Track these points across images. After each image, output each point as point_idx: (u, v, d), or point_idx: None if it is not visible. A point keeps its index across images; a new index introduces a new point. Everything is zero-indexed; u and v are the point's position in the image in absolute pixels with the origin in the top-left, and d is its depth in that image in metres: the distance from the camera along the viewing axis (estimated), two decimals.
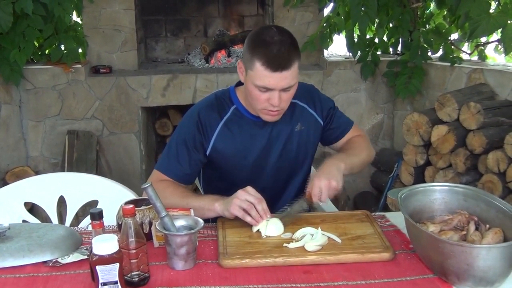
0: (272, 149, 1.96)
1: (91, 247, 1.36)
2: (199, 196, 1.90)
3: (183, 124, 1.97)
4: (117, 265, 1.31)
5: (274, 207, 1.93)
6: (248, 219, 1.68)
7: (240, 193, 1.70)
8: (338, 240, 1.62)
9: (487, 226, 1.48)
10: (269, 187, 1.99)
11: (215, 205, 1.75)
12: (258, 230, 1.67)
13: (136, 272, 1.40)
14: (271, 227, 1.67)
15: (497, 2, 3.49)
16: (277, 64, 1.72)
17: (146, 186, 1.48)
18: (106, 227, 1.59)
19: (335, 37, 4.13)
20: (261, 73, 1.73)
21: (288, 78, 1.74)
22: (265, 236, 1.65)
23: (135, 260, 1.39)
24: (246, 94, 1.89)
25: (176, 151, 1.92)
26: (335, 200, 3.91)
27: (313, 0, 4.08)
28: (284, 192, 2.03)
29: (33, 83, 3.85)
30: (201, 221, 1.53)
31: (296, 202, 1.82)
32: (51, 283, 1.44)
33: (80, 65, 3.91)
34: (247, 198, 1.69)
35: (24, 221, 2.01)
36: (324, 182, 1.76)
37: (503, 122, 3.08)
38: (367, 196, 4.19)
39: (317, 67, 4.17)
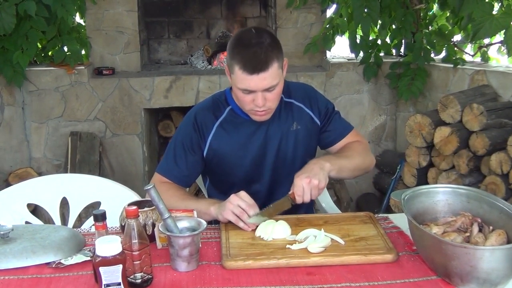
0: (268, 148, 1.97)
1: (94, 249, 1.36)
2: (198, 199, 1.94)
3: (181, 126, 2.01)
4: (120, 266, 1.31)
5: None
6: (240, 224, 1.70)
7: (233, 198, 1.72)
8: (341, 241, 1.62)
9: (491, 227, 1.47)
10: (269, 187, 2.01)
11: (211, 209, 1.77)
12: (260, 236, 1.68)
13: (139, 274, 1.40)
14: (278, 228, 1.67)
15: (500, 4, 3.49)
16: (253, 66, 1.74)
17: (148, 187, 1.49)
18: (109, 228, 1.59)
19: (338, 39, 4.13)
20: (240, 77, 1.77)
21: (267, 79, 1.76)
22: (271, 239, 1.64)
23: (138, 262, 1.40)
24: (234, 97, 1.91)
25: (174, 153, 1.96)
26: (338, 201, 3.92)
27: (316, 2, 4.08)
28: (284, 193, 2.02)
29: (36, 84, 3.86)
30: (204, 222, 1.53)
31: (279, 200, 1.80)
32: (54, 284, 1.44)
33: (83, 67, 3.91)
34: (239, 203, 1.70)
35: (27, 222, 2.01)
36: (305, 181, 1.74)
37: (506, 124, 3.07)
38: (370, 197, 4.19)
39: (319, 69, 4.17)
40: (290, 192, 1.78)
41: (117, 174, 4.00)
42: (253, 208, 1.71)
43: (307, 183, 1.74)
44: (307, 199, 1.76)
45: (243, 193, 1.73)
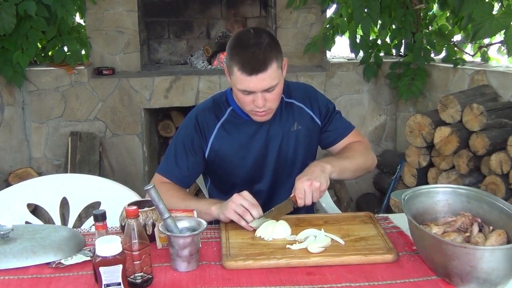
0: (270, 148, 1.97)
1: (94, 249, 1.36)
2: (198, 199, 1.95)
3: (182, 127, 2.00)
4: (120, 266, 1.31)
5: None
6: (242, 223, 1.70)
7: (236, 198, 1.72)
8: (341, 241, 1.62)
9: (491, 227, 1.47)
10: (270, 187, 2.00)
11: (212, 209, 1.77)
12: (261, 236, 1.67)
13: (139, 274, 1.40)
14: (278, 228, 1.67)
15: (500, 4, 3.49)
16: (252, 67, 1.74)
17: (149, 187, 1.49)
18: (109, 228, 1.59)
19: (338, 39, 4.13)
20: (239, 77, 1.77)
21: (266, 79, 1.75)
22: (271, 239, 1.64)
23: (138, 262, 1.40)
24: (235, 97, 1.91)
25: (175, 154, 1.95)
26: (338, 201, 3.92)
27: (316, 2, 4.08)
28: (285, 193, 2.02)
29: (36, 84, 3.86)
30: (204, 222, 1.53)
31: (281, 204, 1.80)
32: (54, 284, 1.44)
33: (83, 67, 3.91)
34: (242, 202, 1.70)
35: (27, 222, 2.01)
36: (306, 183, 1.74)
37: (506, 124, 3.07)
38: (370, 197, 4.19)
39: (320, 69, 4.17)
40: (291, 195, 1.78)
41: (117, 174, 4.00)
42: (256, 207, 1.70)
43: (308, 186, 1.74)
44: (308, 201, 1.75)
45: (246, 193, 1.73)
